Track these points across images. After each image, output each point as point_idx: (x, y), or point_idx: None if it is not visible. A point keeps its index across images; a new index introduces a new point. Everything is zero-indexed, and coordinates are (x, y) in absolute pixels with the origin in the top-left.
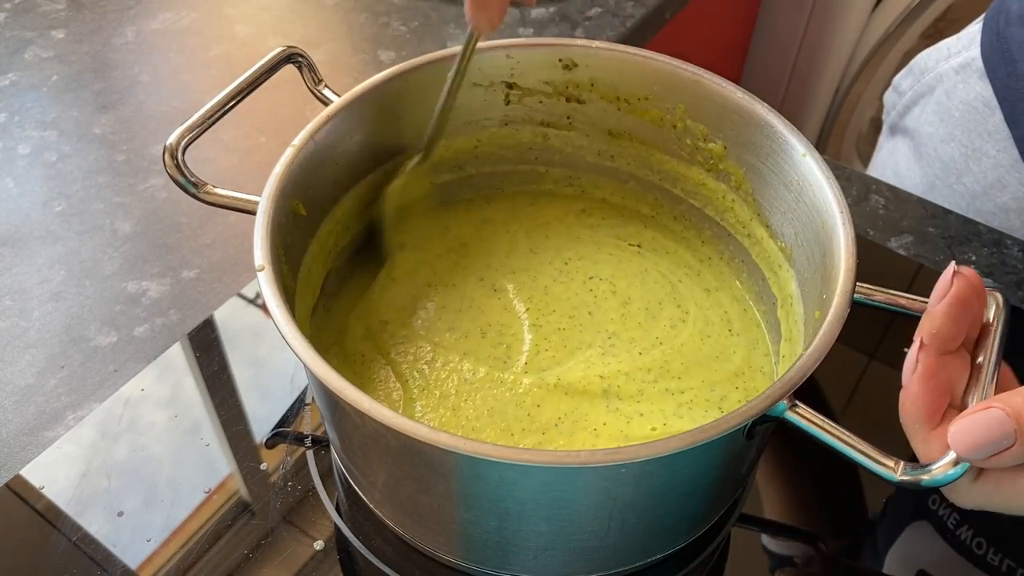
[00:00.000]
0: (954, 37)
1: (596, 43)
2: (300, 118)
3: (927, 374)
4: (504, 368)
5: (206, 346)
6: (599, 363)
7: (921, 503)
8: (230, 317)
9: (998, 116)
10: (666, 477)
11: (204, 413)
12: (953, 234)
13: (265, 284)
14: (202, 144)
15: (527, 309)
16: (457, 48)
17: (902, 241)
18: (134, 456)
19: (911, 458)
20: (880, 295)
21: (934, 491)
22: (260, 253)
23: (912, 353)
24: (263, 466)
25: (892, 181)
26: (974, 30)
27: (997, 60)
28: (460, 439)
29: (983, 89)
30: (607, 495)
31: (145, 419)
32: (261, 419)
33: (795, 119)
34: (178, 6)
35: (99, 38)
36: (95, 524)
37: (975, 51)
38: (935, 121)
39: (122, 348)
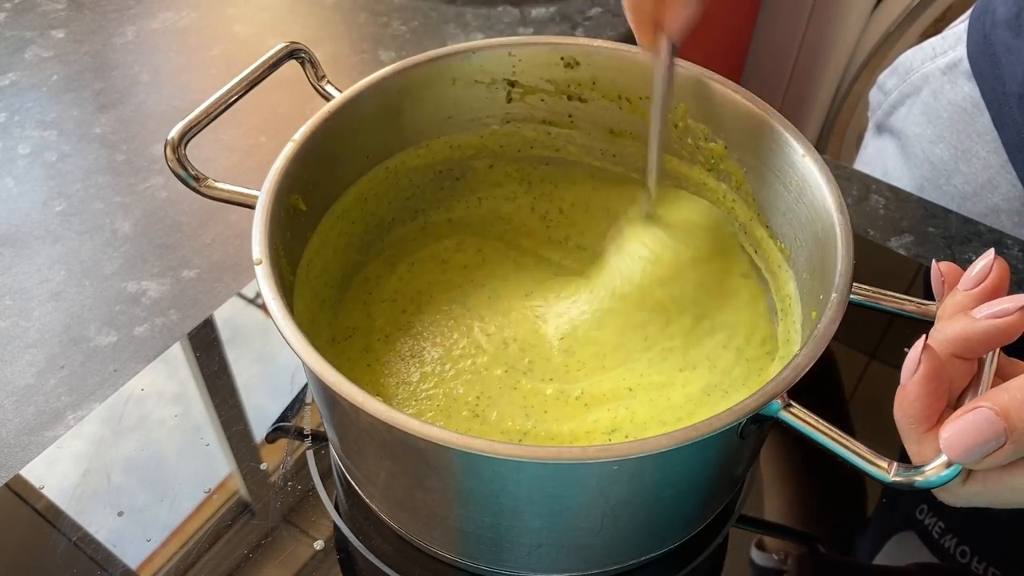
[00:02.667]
0: (939, 36)
1: (598, 42)
2: (300, 117)
3: (929, 375)
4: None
5: (206, 346)
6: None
7: (907, 513)
8: (230, 317)
9: (987, 117)
10: (659, 475)
11: (204, 413)
12: (953, 234)
13: (263, 278)
14: (202, 143)
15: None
16: (454, 47)
17: (902, 241)
18: (134, 456)
19: (905, 459)
20: (878, 296)
21: (926, 492)
22: (258, 247)
23: (915, 352)
24: (263, 466)
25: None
26: (959, 29)
27: (984, 62)
28: (452, 433)
29: (971, 90)
30: (600, 492)
31: (145, 419)
32: (261, 419)
33: (795, 119)
34: (178, 6)
35: (99, 38)
36: (95, 524)
37: (961, 51)
38: (923, 122)
39: (122, 348)
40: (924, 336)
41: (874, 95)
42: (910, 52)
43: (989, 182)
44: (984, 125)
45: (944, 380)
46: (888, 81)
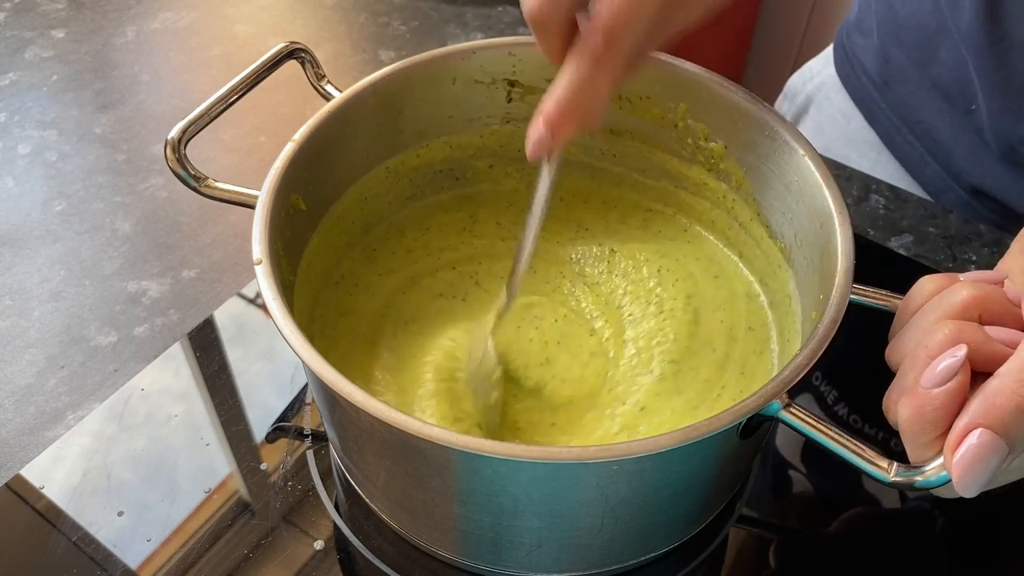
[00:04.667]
0: (815, 59)
1: None
2: (300, 117)
3: (960, 388)
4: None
5: (206, 346)
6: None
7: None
8: (230, 317)
9: (854, 124)
10: (659, 475)
11: (204, 413)
12: (953, 234)
13: (262, 277)
14: (202, 144)
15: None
16: (454, 47)
17: (902, 241)
18: (135, 455)
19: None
20: (878, 296)
21: (925, 491)
22: (258, 247)
23: (953, 362)
24: (263, 466)
25: None
26: (829, 50)
27: (847, 69)
28: (452, 433)
29: (841, 101)
30: (600, 492)
31: (146, 419)
32: (261, 419)
33: None
34: (178, 6)
35: (99, 38)
36: (95, 524)
37: (832, 68)
38: (814, 136)
39: (122, 348)
40: (964, 346)
41: None
42: (795, 76)
43: None
44: (853, 131)
45: (966, 393)
46: (782, 106)
